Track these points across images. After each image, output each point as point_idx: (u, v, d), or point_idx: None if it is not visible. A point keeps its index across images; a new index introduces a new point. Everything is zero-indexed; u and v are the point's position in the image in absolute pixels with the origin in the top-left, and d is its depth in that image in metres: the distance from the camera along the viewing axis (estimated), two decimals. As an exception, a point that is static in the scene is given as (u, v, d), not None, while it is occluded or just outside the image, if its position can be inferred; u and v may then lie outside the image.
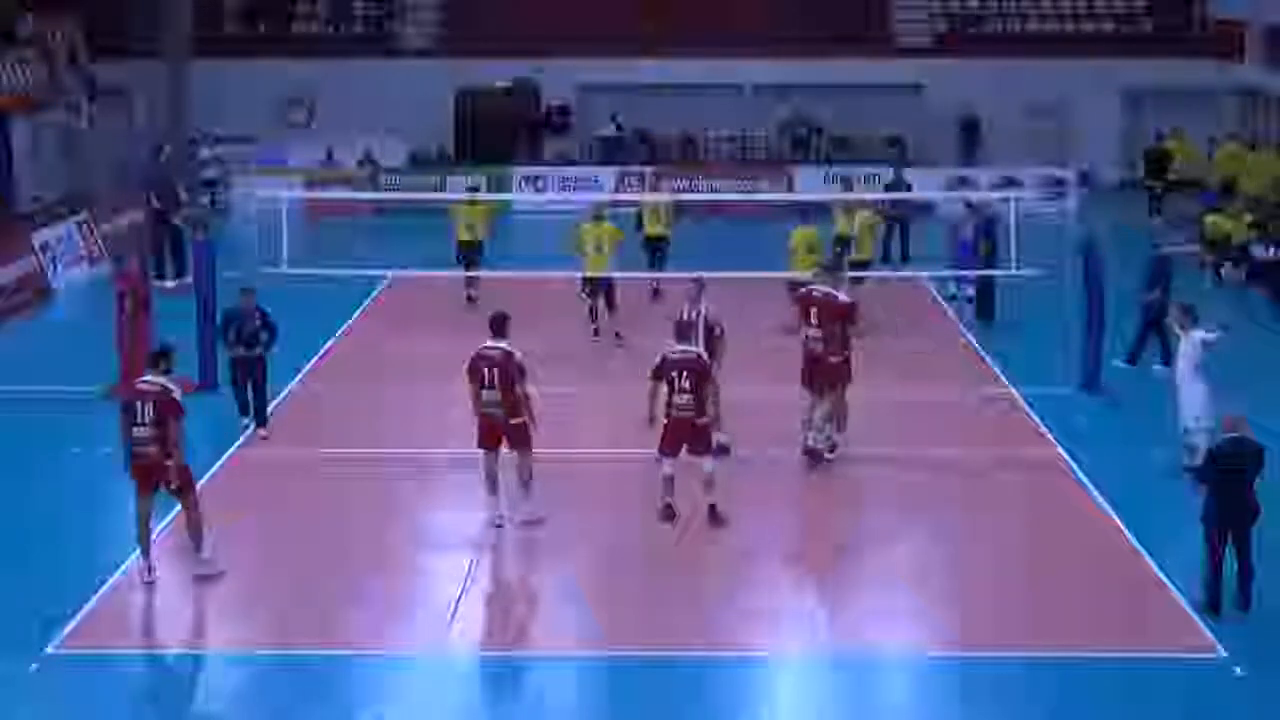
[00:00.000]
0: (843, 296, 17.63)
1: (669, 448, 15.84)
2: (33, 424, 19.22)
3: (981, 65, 38.25)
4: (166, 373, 14.56)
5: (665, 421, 15.83)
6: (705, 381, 15.74)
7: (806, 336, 17.49)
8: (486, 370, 15.60)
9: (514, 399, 15.63)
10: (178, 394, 14.42)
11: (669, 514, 15.87)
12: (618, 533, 15.80)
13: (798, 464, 17.43)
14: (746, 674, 13.03)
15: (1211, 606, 13.78)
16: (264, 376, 18.71)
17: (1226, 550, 13.82)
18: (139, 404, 14.28)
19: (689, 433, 15.75)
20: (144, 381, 14.54)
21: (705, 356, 16.03)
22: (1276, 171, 33.37)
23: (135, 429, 14.27)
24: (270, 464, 17.89)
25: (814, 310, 17.42)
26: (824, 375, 17.35)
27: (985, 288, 24.17)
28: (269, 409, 18.97)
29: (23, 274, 26.71)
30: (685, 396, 15.68)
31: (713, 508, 15.85)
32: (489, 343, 15.76)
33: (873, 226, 25.06)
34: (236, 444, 18.25)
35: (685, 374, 15.68)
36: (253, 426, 18.69)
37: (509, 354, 15.63)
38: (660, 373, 15.82)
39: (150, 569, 14.39)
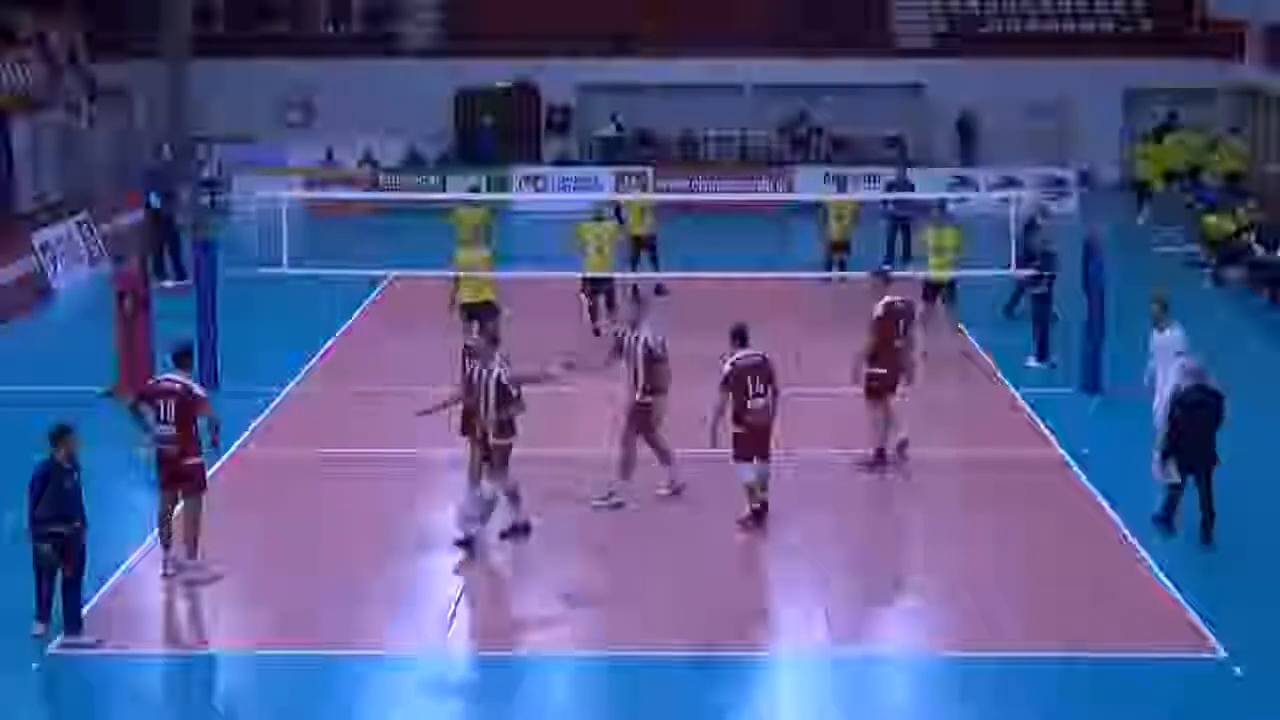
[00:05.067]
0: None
1: (760, 450, 15.72)
2: (33, 424, 19.17)
3: (981, 65, 38.25)
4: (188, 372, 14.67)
5: (740, 430, 15.61)
6: (774, 380, 15.82)
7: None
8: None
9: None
10: (199, 392, 14.46)
11: (763, 513, 15.82)
12: (617, 532, 15.81)
13: (795, 466, 17.45)
14: (746, 674, 13.04)
15: (1164, 522, 15.33)
16: (82, 562, 13.29)
17: (1186, 483, 15.22)
18: (161, 402, 14.33)
19: (770, 433, 15.80)
20: (167, 379, 14.58)
21: (768, 357, 15.94)
22: (1242, 154, 34.45)
23: (158, 427, 14.34)
24: (270, 464, 17.89)
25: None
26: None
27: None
28: (84, 607, 13.42)
29: (23, 274, 26.72)
30: (761, 400, 15.67)
31: (764, 504, 15.86)
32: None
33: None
34: (236, 444, 18.24)
35: (758, 377, 15.69)
36: (54, 633, 13.23)
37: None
38: (732, 382, 15.63)
39: (171, 561, 14.47)
